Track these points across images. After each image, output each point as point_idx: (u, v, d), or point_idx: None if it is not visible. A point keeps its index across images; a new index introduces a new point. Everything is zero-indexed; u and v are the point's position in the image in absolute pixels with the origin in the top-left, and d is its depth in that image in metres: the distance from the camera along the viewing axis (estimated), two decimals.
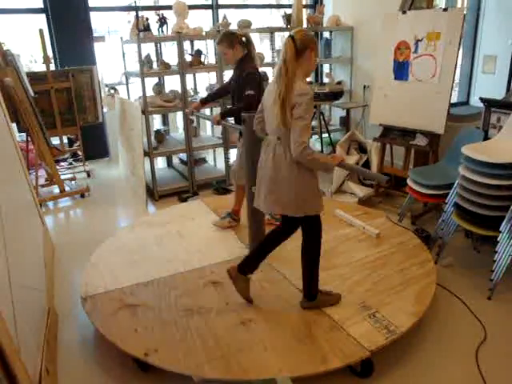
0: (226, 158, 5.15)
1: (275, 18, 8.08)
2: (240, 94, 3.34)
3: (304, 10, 5.82)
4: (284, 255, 3.20)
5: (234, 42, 3.34)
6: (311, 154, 2.22)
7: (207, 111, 5.72)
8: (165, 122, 5.95)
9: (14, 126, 4.49)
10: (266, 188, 2.43)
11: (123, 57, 5.32)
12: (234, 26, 5.07)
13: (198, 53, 4.88)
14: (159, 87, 5.21)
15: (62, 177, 5.18)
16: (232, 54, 3.37)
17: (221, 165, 5.45)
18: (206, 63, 5.00)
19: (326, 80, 6.40)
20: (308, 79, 3.56)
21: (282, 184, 2.35)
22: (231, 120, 3.58)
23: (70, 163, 6.08)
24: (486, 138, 3.54)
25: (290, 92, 2.18)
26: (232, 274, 2.62)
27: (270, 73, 5.59)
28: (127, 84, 5.42)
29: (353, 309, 2.55)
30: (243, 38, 3.40)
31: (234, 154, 5.49)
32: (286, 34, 5.73)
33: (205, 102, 3.77)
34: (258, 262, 2.64)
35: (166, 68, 4.75)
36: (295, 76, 2.21)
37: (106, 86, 6.55)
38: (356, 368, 2.25)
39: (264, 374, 2.10)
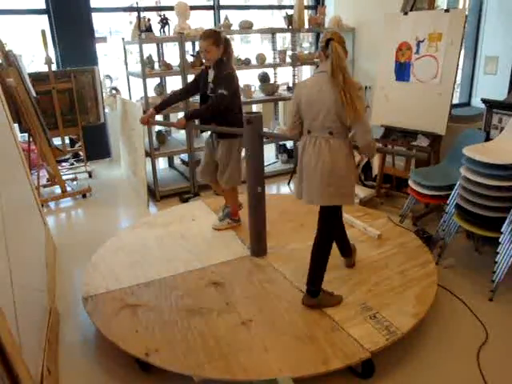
0: None
1: (277, 19, 8.09)
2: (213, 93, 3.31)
3: (305, 11, 5.81)
4: (285, 255, 3.21)
5: (220, 41, 3.26)
6: (374, 141, 2.50)
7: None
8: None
9: (15, 126, 4.50)
10: (321, 182, 2.47)
11: (125, 57, 5.34)
12: (235, 27, 5.07)
13: (200, 54, 4.88)
14: (161, 88, 5.22)
15: (64, 177, 5.18)
16: (215, 53, 3.25)
17: None
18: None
19: None
20: None
21: (341, 175, 2.47)
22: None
23: (72, 164, 6.09)
24: (488, 139, 3.54)
25: (354, 89, 2.35)
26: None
27: (272, 74, 5.60)
28: (129, 85, 5.43)
29: (354, 309, 2.55)
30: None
31: None
32: (288, 35, 5.73)
33: (159, 109, 3.53)
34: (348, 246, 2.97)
35: (167, 69, 4.76)
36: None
37: (109, 86, 6.56)
38: (357, 369, 2.25)
39: (264, 374, 2.10)
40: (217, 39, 3.24)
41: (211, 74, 3.35)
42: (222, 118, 3.31)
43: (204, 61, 3.38)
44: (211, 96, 3.33)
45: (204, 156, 3.66)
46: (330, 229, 2.66)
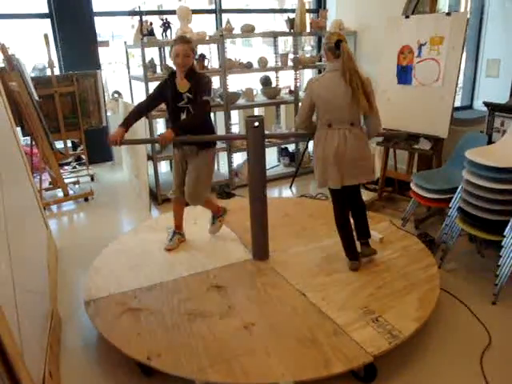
0: (230, 162, 5.16)
1: (278, 23, 8.11)
2: (194, 101, 3.10)
3: (307, 14, 5.82)
4: (287, 259, 3.21)
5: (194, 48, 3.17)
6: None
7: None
8: (168, 126, 5.96)
9: (18, 129, 4.51)
10: (353, 166, 2.85)
11: (127, 61, 5.36)
12: (237, 31, 5.08)
13: (202, 57, 4.90)
14: None
15: (66, 181, 5.19)
16: (191, 59, 3.09)
17: (224, 169, 5.46)
18: (209, 67, 5.02)
19: None
20: None
21: (365, 158, 2.89)
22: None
23: (74, 167, 6.10)
24: (490, 142, 3.54)
25: (365, 85, 2.75)
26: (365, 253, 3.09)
27: (274, 77, 5.60)
28: (131, 88, 5.44)
29: (356, 313, 2.54)
30: None
31: (237, 158, 5.51)
32: (290, 38, 5.75)
33: (128, 125, 3.14)
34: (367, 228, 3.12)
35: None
36: None
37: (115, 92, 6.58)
38: (359, 373, 2.24)
39: (267, 378, 2.10)
40: (193, 45, 3.14)
41: (183, 83, 3.09)
42: (201, 126, 3.19)
43: (178, 67, 3.06)
44: (188, 106, 3.11)
45: (176, 173, 3.39)
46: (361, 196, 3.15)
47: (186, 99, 3.10)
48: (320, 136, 2.88)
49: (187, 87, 3.09)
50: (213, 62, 5.40)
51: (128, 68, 5.39)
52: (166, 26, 4.89)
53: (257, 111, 6.45)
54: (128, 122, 3.15)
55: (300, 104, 2.98)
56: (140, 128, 4.67)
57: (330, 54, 2.76)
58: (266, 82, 5.55)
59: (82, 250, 3.79)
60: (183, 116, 3.14)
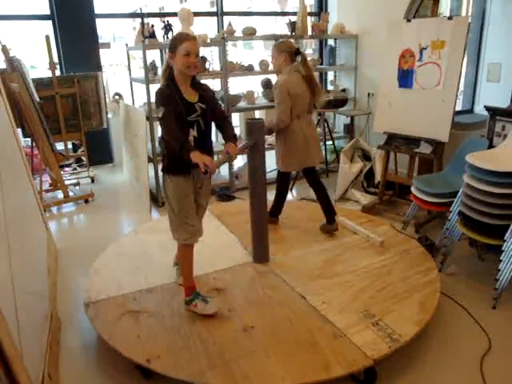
0: (230, 165, 5.15)
1: (280, 26, 8.12)
2: (214, 112, 2.65)
3: (309, 17, 5.83)
4: (287, 262, 3.20)
5: None
6: None
7: None
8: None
9: (19, 131, 4.51)
10: (317, 147, 3.61)
11: (128, 63, 5.36)
12: (238, 33, 5.09)
13: (203, 60, 4.90)
14: None
15: (66, 182, 5.19)
16: None
17: (225, 171, 5.46)
18: (210, 70, 5.02)
19: (330, 87, 6.42)
20: None
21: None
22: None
23: (75, 169, 6.10)
24: (491, 146, 3.54)
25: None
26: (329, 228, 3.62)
27: (275, 80, 5.60)
28: (132, 90, 5.45)
29: (356, 317, 2.53)
30: None
31: (237, 160, 5.49)
32: (291, 41, 5.74)
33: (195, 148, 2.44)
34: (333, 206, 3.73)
35: None
36: None
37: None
38: (359, 376, 2.23)
39: (266, 381, 2.09)
40: None
41: (192, 92, 2.59)
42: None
43: (189, 70, 2.60)
44: (199, 119, 2.54)
45: (191, 210, 2.81)
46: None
47: (199, 110, 2.53)
48: (293, 127, 3.39)
49: (197, 96, 2.58)
50: (214, 64, 5.41)
51: (129, 70, 5.39)
52: (168, 28, 4.90)
53: (258, 114, 6.44)
54: (192, 145, 2.48)
55: (281, 104, 3.33)
56: (141, 129, 4.68)
57: (289, 57, 3.35)
58: (266, 84, 5.55)
59: (81, 252, 3.78)
60: (193, 132, 2.52)
